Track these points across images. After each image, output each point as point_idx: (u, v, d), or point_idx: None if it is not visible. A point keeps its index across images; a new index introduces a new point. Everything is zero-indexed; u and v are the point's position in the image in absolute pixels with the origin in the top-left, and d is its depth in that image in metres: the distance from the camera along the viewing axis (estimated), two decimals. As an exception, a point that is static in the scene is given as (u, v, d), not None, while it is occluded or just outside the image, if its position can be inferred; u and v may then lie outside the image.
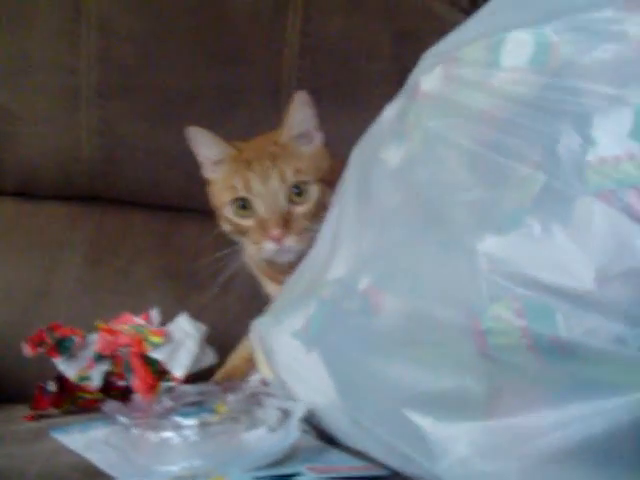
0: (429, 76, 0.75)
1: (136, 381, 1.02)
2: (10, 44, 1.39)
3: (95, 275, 1.35)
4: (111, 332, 1.06)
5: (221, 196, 1.14)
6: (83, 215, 1.42)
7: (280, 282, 1.15)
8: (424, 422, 0.66)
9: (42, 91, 1.39)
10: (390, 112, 0.82)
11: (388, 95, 1.29)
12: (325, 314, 0.78)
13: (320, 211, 1.08)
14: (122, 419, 0.83)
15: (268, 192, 1.08)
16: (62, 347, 1.05)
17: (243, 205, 1.10)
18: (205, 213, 1.24)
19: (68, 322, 1.11)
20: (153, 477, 0.71)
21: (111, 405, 1.00)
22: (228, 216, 1.13)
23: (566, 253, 0.59)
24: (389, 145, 0.77)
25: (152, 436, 0.77)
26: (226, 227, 1.15)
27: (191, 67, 1.38)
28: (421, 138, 0.72)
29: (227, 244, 1.16)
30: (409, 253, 0.69)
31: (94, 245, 1.38)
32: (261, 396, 0.86)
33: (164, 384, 1.02)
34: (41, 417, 1.03)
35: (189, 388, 0.94)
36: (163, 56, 1.38)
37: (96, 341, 1.06)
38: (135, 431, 0.79)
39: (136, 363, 1.03)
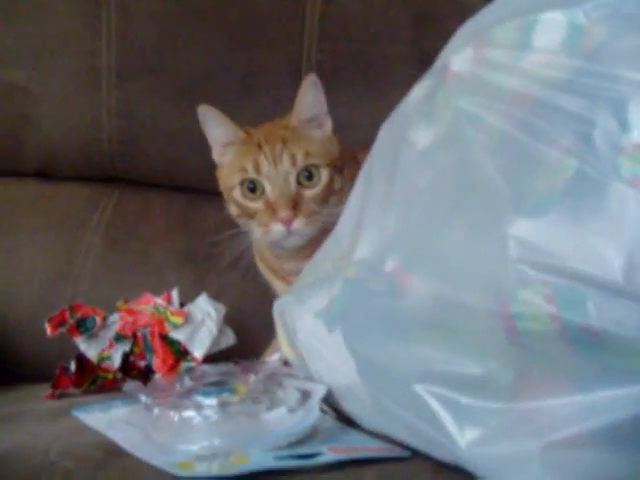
0: (459, 56, 0.73)
1: (157, 361, 1.02)
2: (30, 26, 1.39)
3: (115, 256, 1.34)
4: (132, 312, 1.06)
5: (230, 178, 1.13)
6: (103, 196, 1.42)
7: (284, 279, 1.16)
8: (446, 404, 0.65)
9: (62, 72, 1.39)
10: (418, 92, 0.81)
11: (408, 78, 1.27)
12: (349, 294, 0.77)
13: (329, 196, 1.08)
14: (143, 398, 0.83)
15: (278, 174, 1.07)
16: (83, 327, 1.05)
17: (252, 187, 1.09)
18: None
19: (88, 302, 1.11)
20: (174, 456, 0.71)
21: (132, 385, 1.00)
22: (236, 198, 1.12)
23: (597, 240, 0.58)
24: (417, 125, 0.75)
25: (173, 415, 0.77)
26: (233, 210, 1.14)
27: (211, 48, 1.37)
28: (450, 118, 0.70)
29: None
30: (437, 235, 0.68)
31: (114, 226, 1.38)
32: (281, 376, 0.85)
33: (184, 364, 1.02)
34: (62, 396, 1.03)
35: (209, 368, 0.93)
36: (183, 37, 1.37)
37: (117, 321, 1.06)
38: (156, 410, 0.79)
39: (156, 343, 1.03)
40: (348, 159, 1.15)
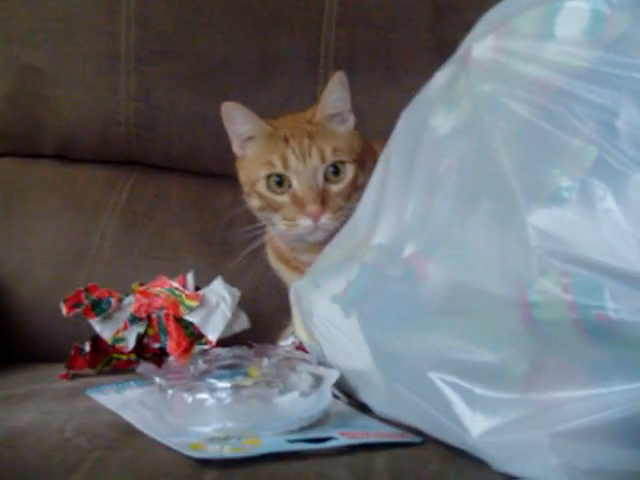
0: (481, 44, 0.72)
1: (171, 343, 1.02)
2: (50, 8, 1.39)
3: (131, 238, 1.34)
4: (147, 294, 1.06)
5: (254, 171, 1.12)
6: (120, 179, 1.41)
7: (297, 269, 1.16)
8: (460, 392, 0.65)
9: (81, 55, 1.39)
10: (440, 79, 0.80)
11: (425, 66, 1.28)
12: (366, 279, 0.77)
13: (353, 191, 1.08)
14: (157, 380, 0.83)
15: (307, 170, 1.07)
16: (98, 308, 1.06)
17: (279, 181, 1.09)
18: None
19: (104, 284, 1.11)
20: (187, 437, 0.71)
21: (146, 366, 1.00)
22: (261, 191, 1.11)
23: (617, 231, 0.57)
24: (438, 111, 0.75)
25: (187, 397, 0.76)
26: (255, 203, 1.13)
27: (230, 33, 1.36)
28: (471, 105, 0.70)
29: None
30: (456, 222, 0.67)
31: (130, 209, 1.38)
32: (294, 361, 0.85)
33: (198, 347, 1.03)
34: (76, 376, 1.03)
35: (223, 351, 0.93)
36: (202, 21, 1.37)
37: (132, 303, 1.06)
38: (170, 392, 0.79)
39: (171, 325, 1.03)
40: (366, 152, 1.14)
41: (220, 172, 1.40)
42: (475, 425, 0.64)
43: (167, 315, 1.03)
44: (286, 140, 1.09)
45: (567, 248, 0.58)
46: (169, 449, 0.68)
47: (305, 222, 1.06)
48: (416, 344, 0.69)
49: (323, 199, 1.06)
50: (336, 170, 1.08)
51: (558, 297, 0.57)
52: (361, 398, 0.80)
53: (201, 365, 0.87)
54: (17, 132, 1.43)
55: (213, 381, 0.80)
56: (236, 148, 1.16)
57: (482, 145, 0.67)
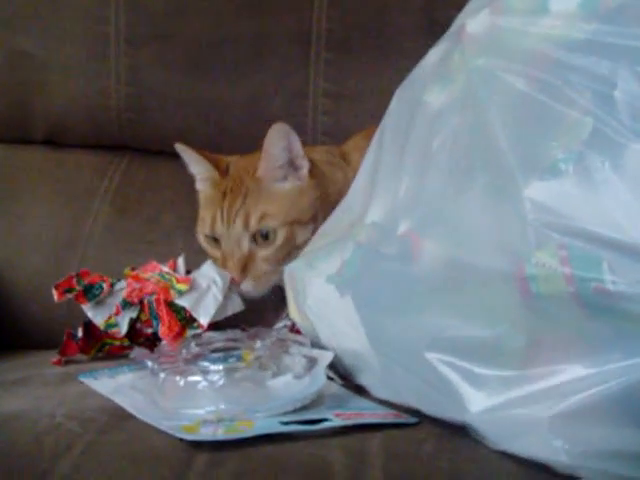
0: (475, 19, 0.71)
1: (162, 328, 1.01)
2: (39, -8, 1.37)
3: (123, 223, 1.33)
4: (138, 279, 1.05)
5: (198, 221, 1.13)
6: (111, 164, 1.40)
7: None
8: (457, 371, 0.64)
9: (71, 39, 1.38)
10: (433, 55, 0.79)
11: (418, 47, 1.26)
12: (361, 258, 0.76)
13: (290, 251, 1.04)
14: (149, 364, 0.82)
15: (230, 236, 1.05)
16: (90, 294, 1.04)
17: (214, 238, 1.08)
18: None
19: (96, 269, 1.10)
20: (179, 420, 0.70)
21: (139, 351, 0.99)
22: (200, 241, 1.11)
23: (615, 202, 0.56)
24: (433, 87, 0.74)
25: (179, 380, 0.76)
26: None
27: (221, 15, 1.34)
28: (466, 79, 0.68)
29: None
30: (451, 198, 0.66)
31: (122, 194, 1.36)
32: (288, 343, 0.84)
33: (190, 331, 1.01)
34: (69, 362, 1.02)
35: (216, 335, 0.92)
36: (193, 4, 1.35)
37: (124, 288, 1.05)
38: (162, 375, 0.78)
39: (162, 310, 1.02)
40: (324, 199, 1.09)
41: (212, 156, 1.39)
42: (473, 403, 0.63)
43: (158, 300, 1.02)
44: (224, 196, 1.07)
45: (564, 220, 0.57)
46: (161, 432, 0.67)
47: (231, 282, 1.04)
48: (412, 323, 0.68)
49: (245, 265, 1.05)
50: (266, 233, 1.05)
51: (555, 270, 0.56)
52: (356, 379, 0.79)
53: (194, 349, 0.86)
54: (6, 118, 1.41)
55: (206, 364, 0.79)
56: (196, 184, 1.16)
57: (477, 119, 0.66)
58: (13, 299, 1.28)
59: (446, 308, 0.65)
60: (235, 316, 1.04)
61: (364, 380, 0.79)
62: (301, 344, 0.84)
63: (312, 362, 0.78)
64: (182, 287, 1.02)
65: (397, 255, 0.70)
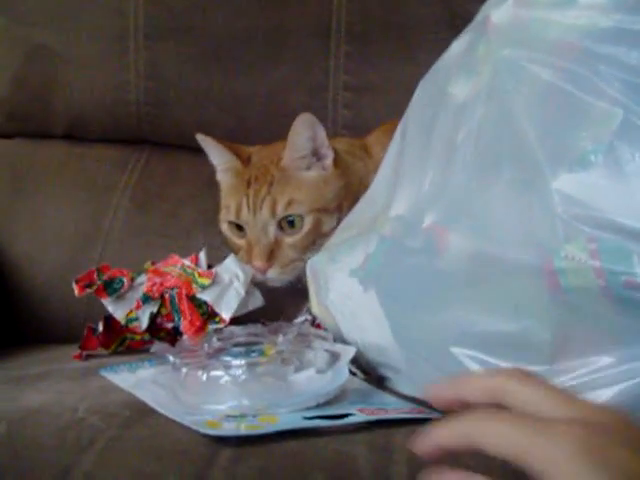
0: (500, 9, 0.70)
1: (184, 322, 1.01)
2: (58, -14, 1.37)
3: (143, 218, 1.33)
4: (159, 273, 1.05)
5: (220, 209, 1.12)
6: (131, 158, 1.40)
7: None
8: (483, 364, 0.63)
9: (90, 33, 1.38)
10: (458, 46, 0.78)
11: (439, 40, 1.25)
12: (385, 252, 0.75)
13: (315, 240, 1.04)
14: (171, 359, 0.81)
15: (256, 223, 1.05)
16: (110, 288, 1.04)
17: (238, 226, 1.08)
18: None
19: (116, 264, 1.10)
20: (202, 415, 0.69)
21: (160, 345, 0.99)
22: (224, 230, 1.11)
23: (644, 194, 0.55)
24: (457, 79, 0.73)
25: (201, 375, 0.75)
26: (222, 232, 1.13)
27: (240, 8, 1.34)
28: (492, 70, 0.67)
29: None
30: (476, 191, 0.65)
31: (142, 188, 1.36)
32: (310, 337, 0.84)
33: (211, 325, 1.01)
34: (90, 357, 1.02)
35: (237, 329, 0.92)
36: (212, -3, 1.34)
37: (144, 282, 1.05)
38: (184, 370, 0.77)
39: (184, 304, 1.01)
40: (359, 153, 1.12)
41: (232, 150, 1.38)
42: None
43: (180, 294, 1.01)
44: (248, 184, 1.06)
45: (594, 213, 0.56)
46: (184, 428, 0.66)
47: (254, 272, 1.04)
48: (437, 317, 0.67)
49: (272, 252, 1.04)
50: (292, 221, 1.04)
51: (585, 263, 0.55)
52: (379, 374, 0.79)
53: (215, 343, 0.86)
54: (26, 113, 1.41)
55: (228, 359, 0.78)
56: (217, 175, 1.15)
57: (503, 111, 0.65)
58: (33, 294, 1.28)
59: (472, 302, 0.65)
60: (255, 311, 1.03)
61: (388, 374, 0.78)
62: (323, 339, 0.84)
63: (335, 357, 0.78)
64: (204, 281, 1.01)
65: (422, 248, 0.69)
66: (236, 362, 0.77)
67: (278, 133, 1.30)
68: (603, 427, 0.41)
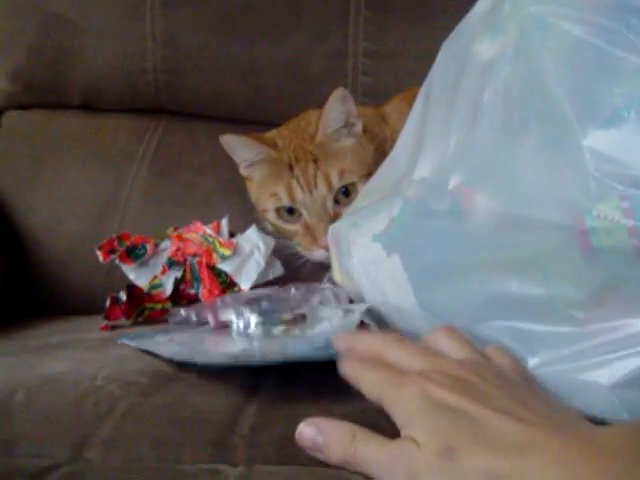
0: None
1: (203, 291, 1.01)
2: (73, -45, 1.35)
3: (161, 187, 1.31)
4: (182, 239, 1.05)
5: (263, 200, 1.10)
6: (148, 127, 1.39)
7: None
8: (512, 328, 0.62)
9: (106, 1, 1.36)
10: (482, 5, 0.75)
11: (459, 5, 1.23)
12: (409, 214, 0.73)
13: None
14: (183, 313, 0.86)
15: (314, 201, 1.04)
16: (134, 254, 1.04)
17: (290, 211, 1.06)
18: (272, 125, 1.20)
19: (135, 233, 1.10)
20: (214, 358, 0.71)
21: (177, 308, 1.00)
22: (272, 220, 1.09)
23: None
24: (482, 38, 0.70)
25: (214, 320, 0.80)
26: (268, 226, 1.12)
27: (258, -26, 1.32)
28: (518, 28, 0.65)
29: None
30: (504, 151, 0.63)
31: (159, 157, 1.35)
32: (328, 297, 0.84)
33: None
34: (114, 328, 1.02)
35: (259, 291, 0.92)
36: (229, -37, 1.32)
37: (168, 248, 1.05)
38: (195, 318, 0.83)
39: (204, 273, 1.01)
40: (376, 120, 1.11)
41: (250, 118, 1.37)
42: (531, 358, 0.61)
43: (200, 262, 1.01)
44: (291, 167, 1.05)
45: (627, 170, 0.54)
46: (204, 394, 0.67)
47: (320, 253, 1.03)
48: (463, 282, 0.66)
49: None
50: (347, 191, 1.04)
51: (618, 222, 0.53)
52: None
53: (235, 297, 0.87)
54: (42, 83, 1.40)
55: (244, 309, 0.80)
56: (242, 170, 1.13)
57: (530, 69, 0.62)
58: (52, 264, 1.28)
59: (500, 266, 0.63)
60: (275, 281, 1.02)
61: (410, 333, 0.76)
62: (340, 299, 0.84)
63: (349, 313, 0.77)
64: (225, 251, 1.01)
65: (448, 210, 0.67)
66: (252, 316, 0.79)
67: (297, 100, 1.29)
68: (444, 375, 0.52)
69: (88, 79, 1.38)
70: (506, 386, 0.53)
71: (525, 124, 0.61)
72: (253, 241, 1.04)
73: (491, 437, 0.47)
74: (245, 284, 1.00)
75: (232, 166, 1.15)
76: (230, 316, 0.78)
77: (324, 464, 0.54)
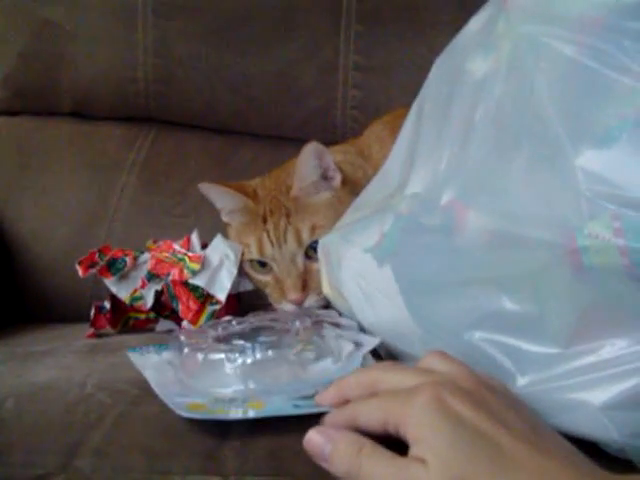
0: (520, -15, 0.68)
1: (181, 307, 1.00)
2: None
3: (150, 196, 1.32)
4: (159, 258, 1.04)
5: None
6: (138, 136, 1.39)
7: None
8: (501, 345, 0.62)
9: (98, 10, 1.37)
10: (476, 23, 0.75)
11: (450, 20, 1.25)
12: (401, 229, 0.73)
13: None
14: (182, 338, 0.79)
15: (283, 257, 1.01)
16: (114, 268, 1.03)
17: (261, 263, 1.04)
18: (261, 137, 1.20)
19: (123, 243, 1.11)
20: (201, 397, 0.67)
21: (165, 324, 0.99)
22: (247, 270, 1.06)
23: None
24: (475, 55, 0.70)
25: (201, 357, 0.72)
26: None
27: (250, -15, 1.32)
28: (511, 47, 0.65)
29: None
30: (497, 168, 0.63)
31: (149, 166, 1.35)
32: (332, 325, 0.80)
33: (209, 307, 1.01)
34: (101, 336, 1.02)
35: (256, 316, 0.87)
36: (221, -26, 1.32)
37: (147, 260, 1.04)
38: (186, 350, 0.75)
39: (179, 290, 1.00)
40: (359, 164, 1.09)
41: (240, 129, 1.37)
42: (519, 378, 0.61)
43: (174, 281, 1.01)
44: (265, 220, 1.03)
45: (618, 190, 0.54)
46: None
47: (289, 307, 1.01)
48: (454, 297, 0.66)
49: (304, 281, 1.00)
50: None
51: (609, 242, 0.54)
52: (393, 350, 0.77)
53: (233, 327, 0.82)
54: (33, 89, 1.40)
55: (242, 342, 0.74)
56: (223, 216, 1.10)
57: (523, 88, 0.62)
58: (39, 272, 1.28)
59: (490, 282, 0.63)
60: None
61: (402, 350, 0.75)
62: (347, 327, 0.81)
63: (357, 347, 0.75)
64: (195, 266, 1.00)
65: (440, 226, 0.67)
66: (248, 345, 0.73)
67: (287, 112, 1.30)
68: (445, 384, 0.51)
69: (79, 86, 1.38)
70: (514, 408, 0.52)
71: (517, 142, 0.62)
72: (221, 250, 1.03)
73: (509, 466, 0.45)
74: (220, 294, 0.99)
75: (221, 176, 1.15)
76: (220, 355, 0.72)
77: (314, 477, 0.54)
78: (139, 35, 1.34)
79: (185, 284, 1.00)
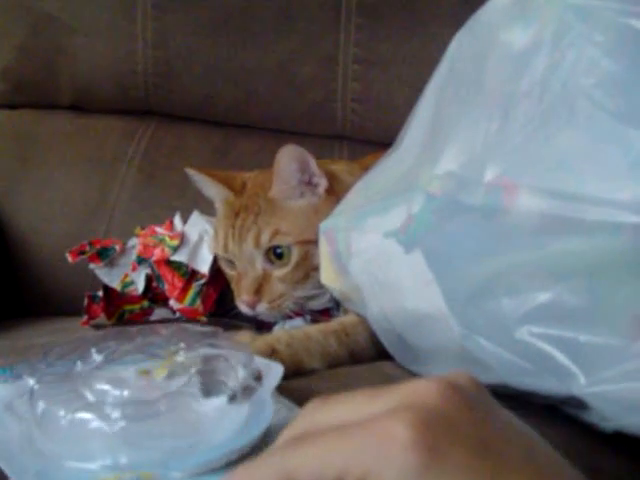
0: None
1: (167, 287, 1.00)
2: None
3: (150, 189, 1.29)
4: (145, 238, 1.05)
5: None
6: (138, 129, 1.35)
7: None
8: (557, 340, 0.55)
9: (97, 2, 1.33)
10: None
11: (451, 13, 1.24)
12: (434, 211, 0.65)
13: (307, 273, 0.96)
14: (31, 382, 0.54)
15: (242, 255, 0.96)
16: (103, 255, 1.04)
17: (227, 258, 0.99)
18: (261, 130, 1.19)
19: (123, 236, 1.08)
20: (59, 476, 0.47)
21: (161, 311, 1.01)
22: (219, 261, 1.02)
23: None
24: (512, 27, 0.64)
25: (65, 415, 0.48)
26: None
27: (250, -22, 1.27)
28: (556, 16, 0.58)
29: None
30: (547, 143, 0.57)
31: (149, 159, 1.32)
32: (223, 349, 0.58)
33: (196, 284, 1.02)
34: (97, 326, 1.02)
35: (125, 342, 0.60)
36: (221, -34, 1.28)
37: (136, 245, 1.04)
38: (40, 404, 0.50)
39: (163, 269, 1.01)
40: (359, 171, 1.02)
41: (239, 122, 1.35)
42: (581, 377, 0.54)
43: (158, 261, 1.00)
44: (236, 215, 0.97)
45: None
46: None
47: (243, 307, 0.96)
48: (500, 288, 0.59)
49: (260, 286, 0.95)
50: (281, 252, 0.95)
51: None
52: (423, 341, 0.70)
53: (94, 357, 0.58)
54: (32, 83, 1.36)
55: (106, 387, 0.52)
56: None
57: (574, 59, 0.57)
58: (38, 266, 1.26)
59: (541, 269, 0.56)
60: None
61: (432, 341, 0.68)
62: (241, 353, 0.58)
63: (255, 377, 0.55)
64: (174, 242, 1.00)
65: (481, 206, 0.60)
66: (116, 392, 0.52)
67: (287, 105, 1.29)
68: (423, 407, 0.34)
69: (78, 80, 1.34)
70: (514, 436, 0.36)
71: (571, 116, 0.56)
72: (200, 226, 1.04)
73: None
74: (203, 267, 1.00)
75: (220, 168, 1.13)
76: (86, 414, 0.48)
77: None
78: (138, 28, 1.30)
79: (169, 263, 1.00)
